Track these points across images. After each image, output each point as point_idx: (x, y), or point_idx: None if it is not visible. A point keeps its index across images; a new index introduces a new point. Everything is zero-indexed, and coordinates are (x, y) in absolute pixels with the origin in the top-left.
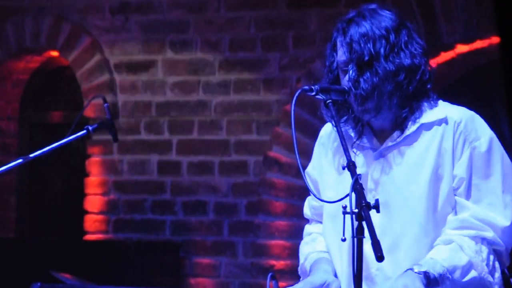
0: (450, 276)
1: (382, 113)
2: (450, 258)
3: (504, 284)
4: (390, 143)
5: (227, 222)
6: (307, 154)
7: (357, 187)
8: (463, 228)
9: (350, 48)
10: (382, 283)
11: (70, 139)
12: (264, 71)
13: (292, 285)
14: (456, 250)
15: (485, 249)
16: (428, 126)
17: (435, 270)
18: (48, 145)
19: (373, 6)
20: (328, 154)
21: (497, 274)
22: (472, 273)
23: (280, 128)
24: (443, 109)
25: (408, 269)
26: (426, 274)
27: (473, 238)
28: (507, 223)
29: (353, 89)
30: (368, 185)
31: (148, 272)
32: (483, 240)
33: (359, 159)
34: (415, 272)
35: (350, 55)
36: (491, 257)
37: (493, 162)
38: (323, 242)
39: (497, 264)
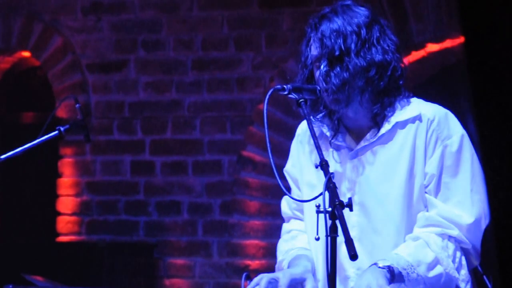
0: (415, 271)
1: (352, 106)
2: (415, 253)
3: (478, 282)
4: (365, 143)
5: (202, 222)
6: (280, 153)
7: (330, 186)
8: (429, 226)
9: (321, 43)
10: None
11: (42, 140)
12: (237, 70)
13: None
14: (422, 246)
15: (451, 246)
16: (403, 125)
17: (399, 264)
18: (20, 146)
19: (348, 2)
20: (306, 152)
21: (464, 271)
22: (438, 269)
23: (254, 127)
24: (417, 106)
25: (372, 264)
26: (390, 269)
27: (440, 235)
28: (472, 221)
29: (324, 84)
30: (345, 184)
31: (122, 273)
32: (450, 237)
33: (335, 158)
34: (379, 267)
35: (321, 50)
36: (458, 253)
37: (463, 161)
38: (304, 239)
39: (464, 261)
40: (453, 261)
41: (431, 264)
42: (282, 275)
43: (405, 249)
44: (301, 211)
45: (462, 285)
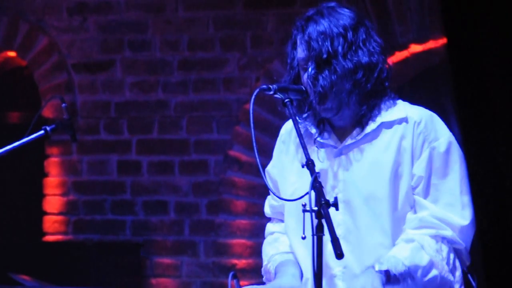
0: (411, 275)
1: (342, 111)
2: (411, 257)
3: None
4: (350, 141)
5: (188, 221)
6: (267, 153)
7: (316, 185)
8: (422, 227)
9: (308, 46)
10: (349, 281)
11: (28, 140)
12: (223, 70)
13: (257, 284)
14: (417, 249)
15: (445, 248)
16: (389, 125)
17: (397, 269)
18: (6, 146)
19: (332, 4)
20: (290, 151)
21: (458, 273)
22: (433, 272)
23: (240, 127)
24: (403, 108)
25: (369, 267)
26: (387, 273)
27: (433, 237)
28: (465, 222)
29: (312, 87)
30: (330, 182)
31: (109, 273)
32: (443, 239)
33: (320, 156)
34: (376, 271)
35: (309, 53)
36: (451, 255)
37: (451, 163)
38: (285, 241)
39: (457, 263)
40: (447, 264)
41: (426, 267)
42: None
43: (402, 252)
44: (279, 214)
45: (456, 286)
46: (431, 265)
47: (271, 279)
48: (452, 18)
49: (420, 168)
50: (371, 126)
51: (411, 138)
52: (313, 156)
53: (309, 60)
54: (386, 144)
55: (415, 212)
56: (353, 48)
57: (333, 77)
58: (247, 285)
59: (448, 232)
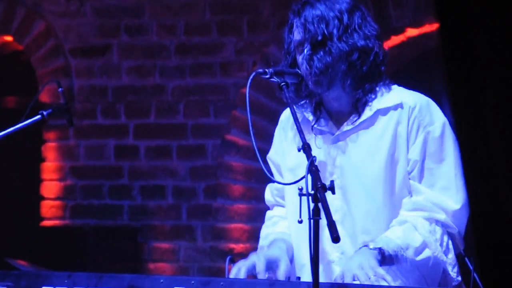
0: (404, 254)
1: (334, 91)
2: (404, 237)
3: (460, 264)
4: (347, 127)
5: (186, 206)
6: (264, 137)
7: (313, 169)
8: (416, 210)
9: (304, 28)
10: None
11: (25, 124)
12: (220, 55)
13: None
14: (410, 230)
15: (439, 230)
16: (384, 111)
17: (389, 247)
18: (3, 131)
19: None
20: (288, 137)
21: (451, 255)
22: (426, 252)
23: (238, 112)
24: (399, 94)
25: (363, 246)
26: (380, 251)
27: (427, 219)
28: (459, 207)
29: (308, 68)
30: (328, 168)
31: (106, 258)
32: (437, 222)
33: (317, 142)
34: (370, 249)
35: (304, 35)
36: (445, 237)
37: (446, 147)
38: (284, 225)
39: (450, 245)
40: (441, 245)
41: (419, 248)
42: (258, 259)
43: (394, 232)
44: (283, 198)
45: (449, 268)
46: (424, 246)
47: None
48: (444, 2)
49: (415, 152)
50: (367, 113)
51: (406, 123)
52: (311, 143)
53: (304, 42)
54: (382, 130)
55: (411, 197)
56: (349, 31)
57: (328, 59)
58: (239, 260)
59: (441, 216)
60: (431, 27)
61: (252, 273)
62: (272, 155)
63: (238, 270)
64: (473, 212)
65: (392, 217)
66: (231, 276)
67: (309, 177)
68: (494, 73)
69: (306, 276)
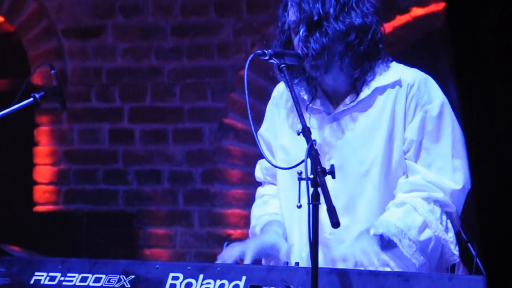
0: (406, 237)
1: (332, 72)
2: (404, 218)
3: (462, 249)
4: (344, 107)
5: (182, 191)
6: (262, 120)
7: (312, 153)
8: (414, 190)
9: (299, 8)
10: (336, 247)
11: (17, 108)
12: (218, 36)
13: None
14: (410, 211)
15: (437, 209)
16: (382, 90)
17: (390, 231)
18: None
19: None
20: (281, 115)
21: (451, 233)
22: (427, 232)
23: (236, 94)
24: (397, 71)
25: (363, 232)
26: (382, 237)
27: (425, 199)
28: (456, 186)
29: (304, 49)
30: (323, 148)
31: (101, 243)
32: (435, 201)
33: (312, 122)
34: (372, 235)
35: (299, 15)
36: (444, 217)
37: (443, 127)
38: (275, 204)
39: (449, 224)
40: (441, 224)
41: (421, 228)
42: (253, 243)
43: (394, 214)
44: (273, 176)
45: (451, 246)
46: (425, 226)
47: None
48: None
49: (412, 132)
50: (365, 92)
51: (404, 101)
52: (306, 123)
53: (300, 23)
54: (380, 109)
55: (407, 177)
56: (346, 9)
57: (324, 40)
58: (234, 242)
59: (439, 195)
60: (437, 6)
61: (241, 258)
62: (263, 132)
63: (230, 250)
64: (477, 193)
65: (387, 197)
66: (222, 254)
67: (309, 160)
68: (501, 53)
69: (294, 256)
